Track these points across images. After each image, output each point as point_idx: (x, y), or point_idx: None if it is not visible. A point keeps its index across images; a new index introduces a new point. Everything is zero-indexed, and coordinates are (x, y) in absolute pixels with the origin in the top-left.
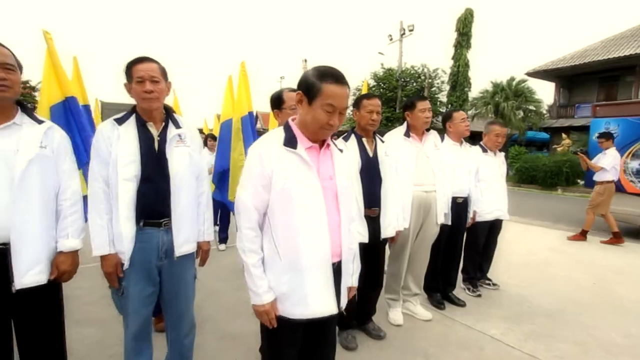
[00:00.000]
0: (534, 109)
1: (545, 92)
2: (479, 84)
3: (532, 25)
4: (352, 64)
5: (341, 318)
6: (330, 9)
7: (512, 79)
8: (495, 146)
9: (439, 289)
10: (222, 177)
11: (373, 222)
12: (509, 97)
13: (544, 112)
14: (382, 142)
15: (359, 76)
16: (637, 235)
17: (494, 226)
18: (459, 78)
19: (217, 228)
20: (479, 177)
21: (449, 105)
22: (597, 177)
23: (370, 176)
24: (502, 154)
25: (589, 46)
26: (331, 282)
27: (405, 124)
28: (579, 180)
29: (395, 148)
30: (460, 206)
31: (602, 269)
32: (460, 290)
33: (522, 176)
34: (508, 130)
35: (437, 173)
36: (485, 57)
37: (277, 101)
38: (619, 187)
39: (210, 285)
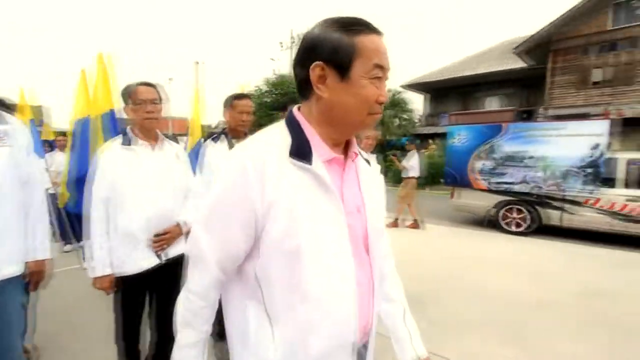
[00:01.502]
0: (408, 117)
1: (420, 103)
2: None
3: (412, 41)
4: (244, 68)
5: None
6: (224, 12)
7: (389, 90)
8: (368, 149)
9: None
10: (79, 185)
11: None
12: (387, 106)
13: (416, 120)
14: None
15: (252, 81)
16: (481, 224)
17: None
18: None
19: (82, 243)
20: None
21: None
22: (403, 174)
23: None
24: (374, 156)
25: (452, 63)
26: None
27: None
28: (441, 180)
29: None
30: None
31: (454, 255)
32: None
33: (398, 177)
34: (387, 137)
35: None
36: None
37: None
38: (468, 184)
39: (71, 311)
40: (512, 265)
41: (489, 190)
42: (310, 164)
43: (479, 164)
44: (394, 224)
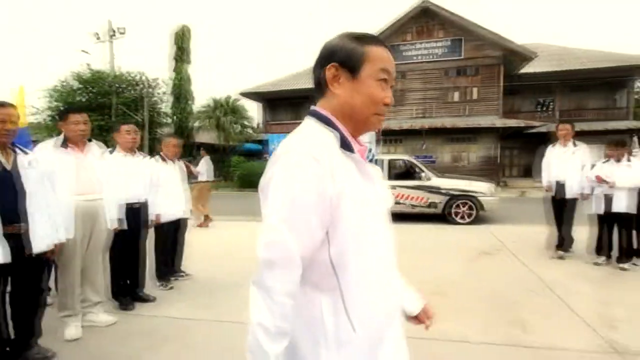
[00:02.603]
0: (248, 124)
1: (257, 110)
2: (203, 98)
3: (247, 51)
4: (45, 60)
5: None
6: None
7: (229, 97)
8: (173, 155)
9: (127, 292)
10: None
11: (16, 239)
12: (227, 112)
13: (255, 127)
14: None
15: (54, 74)
16: None
17: (179, 225)
18: (182, 91)
19: None
20: (158, 183)
21: (174, 117)
22: (198, 178)
23: (8, 190)
24: (180, 162)
25: (283, 77)
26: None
27: (62, 135)
28: None
29: (47, 160)
30: (136, 211)
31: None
32: (154, 286)
33: (243, 181)
34: (229, 142)
35: (102, 182)
36: (206, 74)
37: None
38: None
39: None
40: None
41: None
42: (354, 152)
43: None
44: (203, 224)
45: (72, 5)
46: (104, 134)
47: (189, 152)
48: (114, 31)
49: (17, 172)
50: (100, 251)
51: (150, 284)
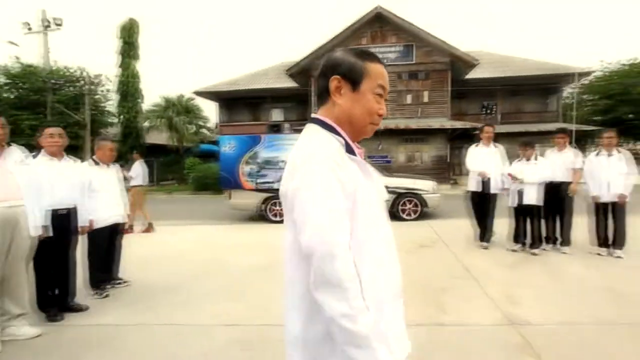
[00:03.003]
0: (203, 124)
1: (213, 110)
2: (153, 97)
3: (200, 48)
4: None
5: None
6: None
7: (182, 96)
8: (109, 159)
9: (55, 303)
10: None
11: None
12: (180, 112)
13: (211, 127)
14: None
15: None
16: (253, 219)
17: (115, 230)
18: (129, 88)
19: None
20: (93, 187)
21: (121, 116)
22: (131, 183)
23: None
24: (117, 165)
25: (240, 76)
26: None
27: None
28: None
29: None
30: (64, 217)
31: (221, 247)
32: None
33: (198, 184)
34: (183, 143)
35: (23, 188)
36: (156, 71)
37: None
38: (240, 186)
39: None
40: (255, 245)
41: (257, 190)
42: (356, 155)
43: (246, 168)
44: (147, 230)
45: None
46: (38, 134)
47: (146, 154)
48: (48, 22)
49: None
50: (22, 260)
51: (85, 293)
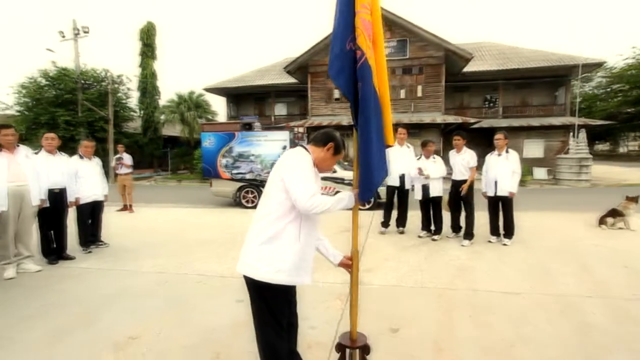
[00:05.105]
0: (212, 118)
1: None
2: (169, 93)
3: (210, 47)
4: (14, 59)
5: None
6: None
7: (193, 92)
8: (88, 154)
9: (53, 252)
10: None
11: None
12: (191, 107)
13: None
14: None
15: (23, 72)
16: (231, 205)
17: (96, 206)
18: (148, 86)
19: None
20: (78, 175)
21: (140, 112)
22: (127, 170)
23: None
24: (96, 158)
25: (247, 73)
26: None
27: None
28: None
29: None
30: (57, 195)
31: (187, 225)
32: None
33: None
34: (193, 136)
35: (28, 174)
36: (172, 69)
37: None
38: (218, 175)
39: None
40: (214, 225)
41: (232, 179)
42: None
43: (223, 161)
44: (124, 209)
45: (38, 5)
46: (70, 129)
47: (163, 145)
48: (78, 30)
49: None
50: (29, 220)
51: (77, 249)
